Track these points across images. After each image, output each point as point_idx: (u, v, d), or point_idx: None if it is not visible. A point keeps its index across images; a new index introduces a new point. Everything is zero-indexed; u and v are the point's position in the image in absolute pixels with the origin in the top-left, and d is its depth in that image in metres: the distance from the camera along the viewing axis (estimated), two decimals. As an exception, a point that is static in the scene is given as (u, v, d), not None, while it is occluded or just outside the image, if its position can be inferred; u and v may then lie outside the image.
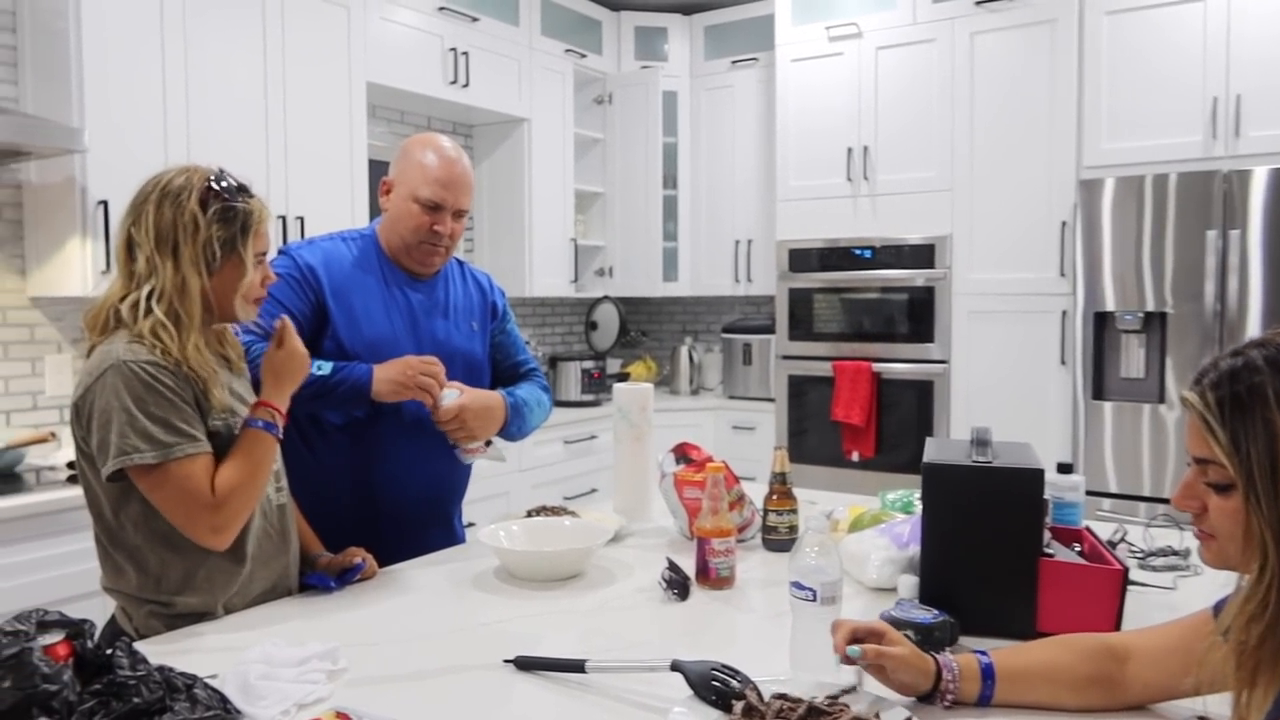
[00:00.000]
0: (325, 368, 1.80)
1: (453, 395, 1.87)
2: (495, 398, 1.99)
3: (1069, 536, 1.60)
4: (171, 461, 1.42)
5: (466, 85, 4.01)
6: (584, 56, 4.66)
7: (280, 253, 1.94)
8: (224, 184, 1.52)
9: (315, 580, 1.68)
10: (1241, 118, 3.38)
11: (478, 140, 4.56)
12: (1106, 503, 3.53)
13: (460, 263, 2.15)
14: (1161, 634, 1.16)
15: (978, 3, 3.84)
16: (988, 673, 1.16)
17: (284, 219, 3.21)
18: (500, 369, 2.17)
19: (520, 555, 1.76)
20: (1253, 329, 3.28)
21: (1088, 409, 3.58)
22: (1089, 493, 3.57)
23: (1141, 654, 1.15)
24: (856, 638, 1.16)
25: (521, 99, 4.33)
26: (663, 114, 4.78)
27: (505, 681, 1.29)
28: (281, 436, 1.56)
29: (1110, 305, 3.52)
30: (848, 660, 1.15)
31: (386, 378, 1.81)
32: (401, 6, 3.72)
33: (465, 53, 3.99)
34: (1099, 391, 3.57)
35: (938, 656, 1.17)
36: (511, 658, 1.33)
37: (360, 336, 1.89)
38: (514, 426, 2.03)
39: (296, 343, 1.61)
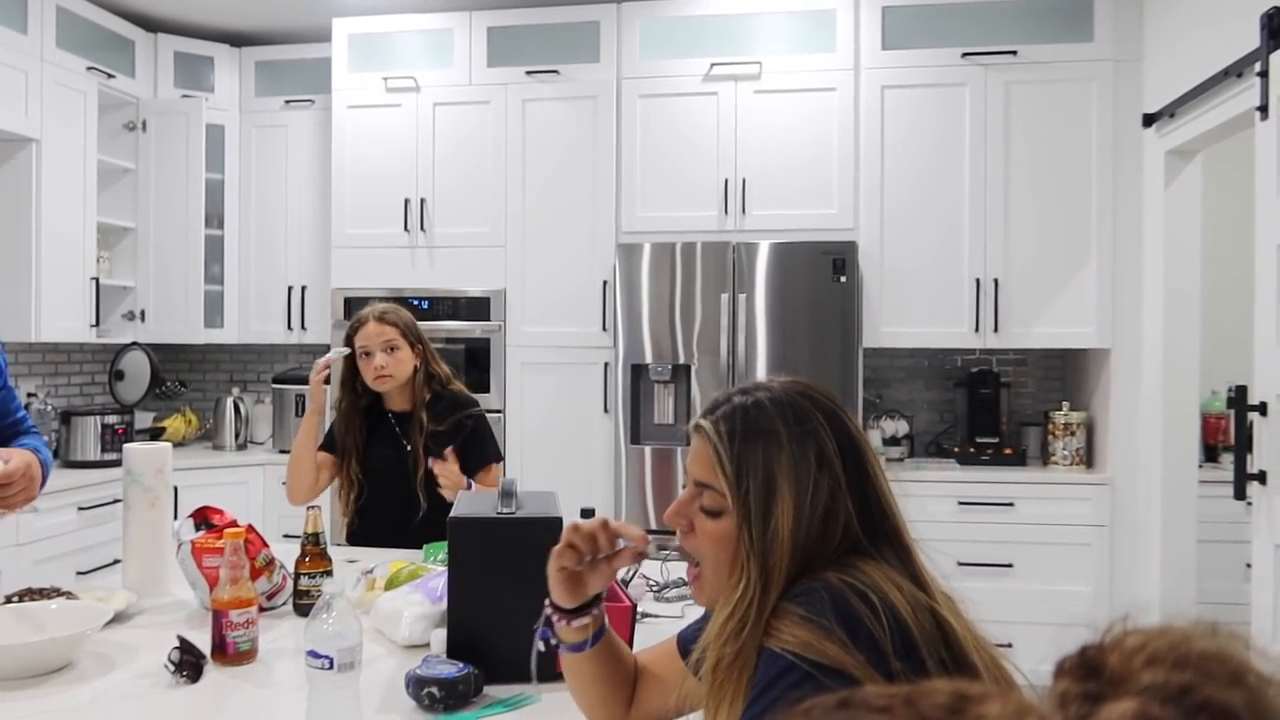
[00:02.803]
0: None
1: None
2: (31, 456, 1.69)
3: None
4: None
5: (-47, 93, 3.41)
6: (112, 77, 4.18)
7: None
8: None
9: None
10: (748, 197, 3.90)
11: (-30, 158, 3.88)
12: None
13: None
14: (642, 659, 1.25)
15: (528, 72, 4.05)
16: (599, 635, 1.15)
17: None
18: None
19: (-20, 651, 1.47)
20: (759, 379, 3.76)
21: (628, 453, 3.87)
22: (630, 532, 3.87)
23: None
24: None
25: (29, 116, 3.76)
26: (206, 148, 4.42)
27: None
28: None
29: (647, 358, 3.85)
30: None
31: None
32: None
33: (-48, 55, 3.39)
34: (636, 437, 3.88)
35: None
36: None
37: None
38: (44, 485, 1.76)
39: None
